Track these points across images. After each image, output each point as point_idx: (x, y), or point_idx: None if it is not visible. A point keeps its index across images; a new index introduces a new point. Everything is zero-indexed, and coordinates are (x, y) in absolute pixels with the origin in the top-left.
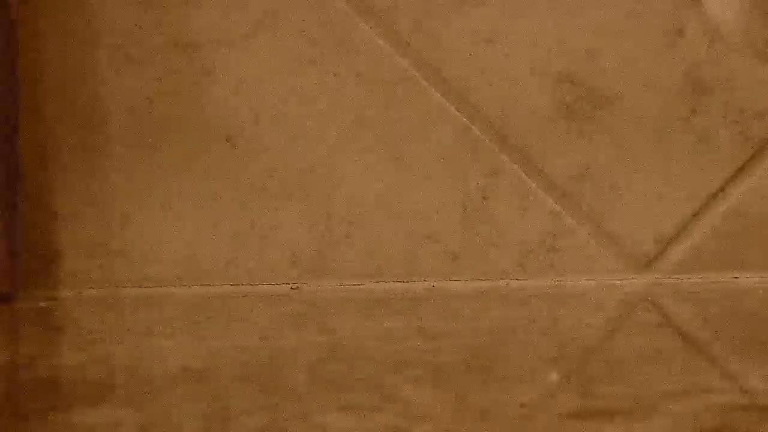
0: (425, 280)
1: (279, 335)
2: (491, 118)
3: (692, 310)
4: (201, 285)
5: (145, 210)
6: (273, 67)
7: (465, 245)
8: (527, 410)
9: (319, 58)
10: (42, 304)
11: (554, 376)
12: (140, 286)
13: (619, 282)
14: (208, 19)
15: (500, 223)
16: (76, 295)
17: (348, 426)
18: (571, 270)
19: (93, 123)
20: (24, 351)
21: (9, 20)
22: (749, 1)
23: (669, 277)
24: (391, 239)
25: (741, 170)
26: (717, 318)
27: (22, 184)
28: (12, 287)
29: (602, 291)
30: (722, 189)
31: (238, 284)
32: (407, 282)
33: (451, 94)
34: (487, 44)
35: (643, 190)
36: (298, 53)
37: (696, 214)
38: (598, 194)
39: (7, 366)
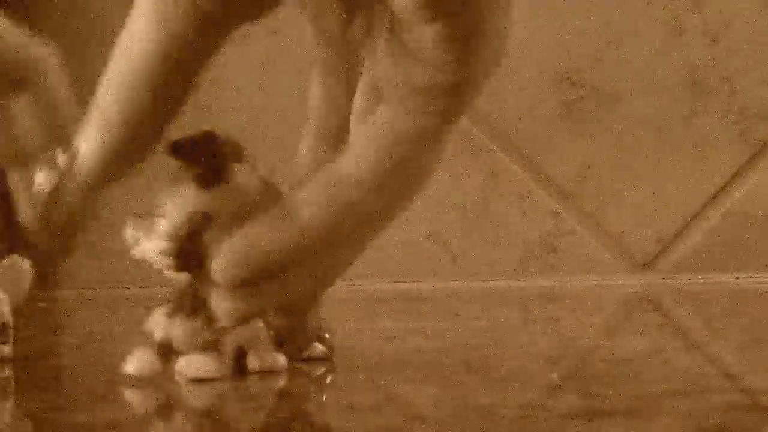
0: (425, 281)
1: None
2: (491, 118)
3: (692, 310)
4: None
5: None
6: (273, 67)
7: (465, 245)
8: (527, 410)
9: None
10: (42, 304)
11: (554, 376)
12: (140, 287)
13: (619, 282)
14: None
15: (500, 223)
16: (76, 295)
17: (348, 426)
18: (571, 270)
19: None
20: (24, 351)
21: None
22: None
23: (669, 277)
24: (392, 240)
25: (741, 170)
26: (717, 318)
27: None
28: None
29: (602, 291)
30: (722, 189)
31: None
32: (407, 282)
33: None
34: None
35: (643, 190)
36: (298, 53)
37: (696, 214)
38: (599, 194)
39: (7, 365)
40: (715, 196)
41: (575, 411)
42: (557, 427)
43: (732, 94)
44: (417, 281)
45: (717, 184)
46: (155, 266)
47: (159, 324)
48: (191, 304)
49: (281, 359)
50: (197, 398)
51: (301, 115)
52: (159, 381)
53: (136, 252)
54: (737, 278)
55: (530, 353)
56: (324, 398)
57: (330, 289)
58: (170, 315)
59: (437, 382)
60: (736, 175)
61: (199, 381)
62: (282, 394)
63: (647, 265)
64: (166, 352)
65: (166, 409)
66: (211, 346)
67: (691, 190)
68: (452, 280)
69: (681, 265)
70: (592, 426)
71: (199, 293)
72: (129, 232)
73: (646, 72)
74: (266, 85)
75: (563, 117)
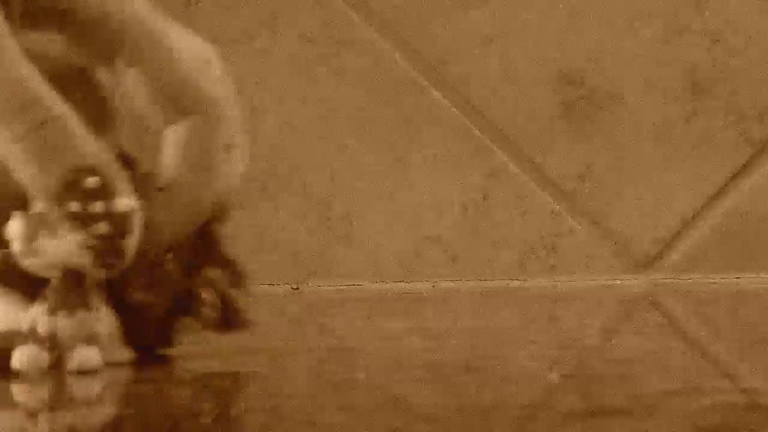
0: (425, 281)
1: (279, 335)
2: (491, 118)
3: (692, 310)
4: None
5: None
6: (273, 67)
7: (465, 245)
8: (527, 410)
9: (319, 58)
10: None
11: (554, 376)
12: None
13: (619, 282)
14: (208, 19)
15: (500, 223)
16: None
17: (348, 426)
18: (571, 270)
19: None
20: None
21: None
22: None
23: (669, 277)
24: (391, 239)
25: (741, 170)
26: (717, 318)
27: None
28: None
29: (602, 291)
30: (722, 189)
31: None
32: (407, 282)
33: (451, 94)
34: (487, 44)
35: (643, 189)
36: (298, 53)
37: (696, 214)
38: (598, 194)
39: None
40: (715, 196)
41: (575, 411)
42: (557, 427)
43: (732, 94)
44: (417, 281)
45: (717, 184)
46: (46, 270)
47: (40, 320)
48: (75, 298)
49: (126, 354)
50: (196, 397)
51: (301, 114)
52: (160, 380)
53: (30, 250)
54: (737, 278)
55: (530, 353)
56: (324, 398)
57: (329, 288)
58: (53, 311)
59: (437, 382)
60: (736, 175)
61: (85, 373)
62: (281, 394)
63: (647, 265)
64: (52, 346)
65: (160, 407)
66: (94, 339)
67: (691, 190)
68: (452, 280)
69: (681, 265)
70: (592, 426)
71: (81, 287)
72: (18, 227)
73: (646, 72)
74: (266, 85)
75: (563, 117)
